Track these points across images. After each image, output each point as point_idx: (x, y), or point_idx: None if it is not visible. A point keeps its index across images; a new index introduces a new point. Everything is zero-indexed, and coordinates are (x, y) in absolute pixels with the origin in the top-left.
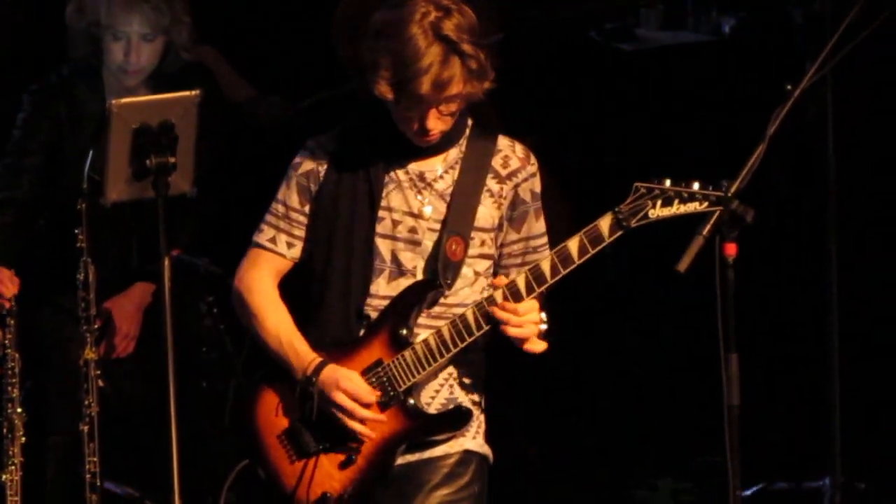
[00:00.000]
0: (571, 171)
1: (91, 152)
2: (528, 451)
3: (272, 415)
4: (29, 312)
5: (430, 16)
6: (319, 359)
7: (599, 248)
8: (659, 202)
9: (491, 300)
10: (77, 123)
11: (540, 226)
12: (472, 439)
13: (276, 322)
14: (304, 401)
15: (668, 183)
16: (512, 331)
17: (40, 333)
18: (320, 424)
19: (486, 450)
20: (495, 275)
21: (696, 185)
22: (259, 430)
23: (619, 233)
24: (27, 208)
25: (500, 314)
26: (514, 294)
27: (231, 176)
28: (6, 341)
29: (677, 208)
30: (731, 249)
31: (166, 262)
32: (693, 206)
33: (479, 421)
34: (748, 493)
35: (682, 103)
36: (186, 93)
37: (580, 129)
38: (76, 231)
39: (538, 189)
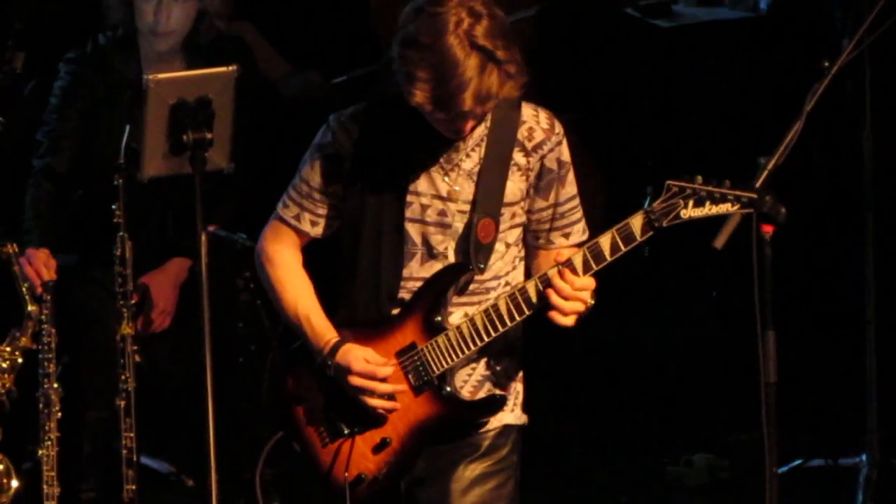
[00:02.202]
0: (607, 148)
1: (128, 127)
2: (563, 430)
3: (304, 394)
4: (65, 288)
5: (464, 23)
6: (336, 338)
7: (632, 246)
8: (691, 202)
9: (523, 290)
10: (113, 91)
11: (568, 191)
12: (511, 412)
13: (296, 296)
14: (321, 380)
15: (699, 180)
16: (557, 300)
17: (76, 309)
18: (351, 406)
19: (523, 419)
20: (523, 240)
21: (727, 184)
22: (293, 410)
23: (651, 233)
24: (66, 178)
25: (556, 282)
26: (545, 286)
27: (268, 151)
28: (42, 317)
29: (709, 209)
30: (767, 227)
31: (203, 238)
32: (725, 208)
33: (516, 392)
34: (784, 469)
35: (718, 80)
36: (224, 68)
37: (616, 106)
38: (113, 206)
39: (565, 156)
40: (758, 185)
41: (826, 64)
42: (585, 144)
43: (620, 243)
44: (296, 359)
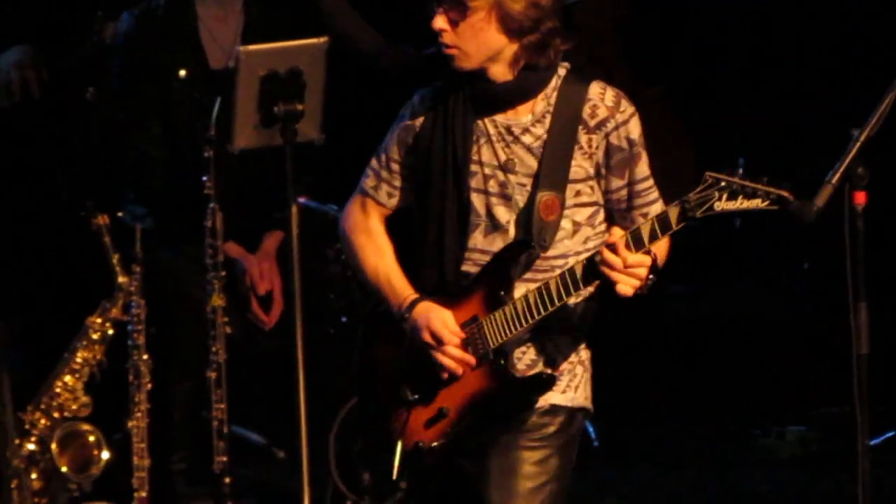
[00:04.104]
0: (699, 120)
1: (218, 99)
2: (655, 401)
3: (378, 360)
4: (155, 259)
5: None
6: (415, 295)
7: (668, 234)
8: (725, 195)
9: (572, 270)
10: (170, 37)
11: (642, 170)
12: (562, 393)
13: (377, 259)
14: (396, 344)
15: (739, 173)
16: (608, 272)
17: (166, 280)
18: (417, 374)
19: (577, 402)
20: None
21: (764, 180)
22: (366, 377)
23: (685, 223)
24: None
25: (608, 256)
26: (591, 265)
27: (358, 122)
28: (132, 288)
29: (741, 203)
30: (860, 198)
31: (294, 210)
32: (755, 203)
33: (572, 374)
34: (876, 441)
35: (808, 51)
36: (315, 40)
37: (707, 78)
38: (204, 178)
39: (636, 135)
40: (849, 158)
41: None
42: (677, 116)
43: (658, 230)
44: (367, 329)
